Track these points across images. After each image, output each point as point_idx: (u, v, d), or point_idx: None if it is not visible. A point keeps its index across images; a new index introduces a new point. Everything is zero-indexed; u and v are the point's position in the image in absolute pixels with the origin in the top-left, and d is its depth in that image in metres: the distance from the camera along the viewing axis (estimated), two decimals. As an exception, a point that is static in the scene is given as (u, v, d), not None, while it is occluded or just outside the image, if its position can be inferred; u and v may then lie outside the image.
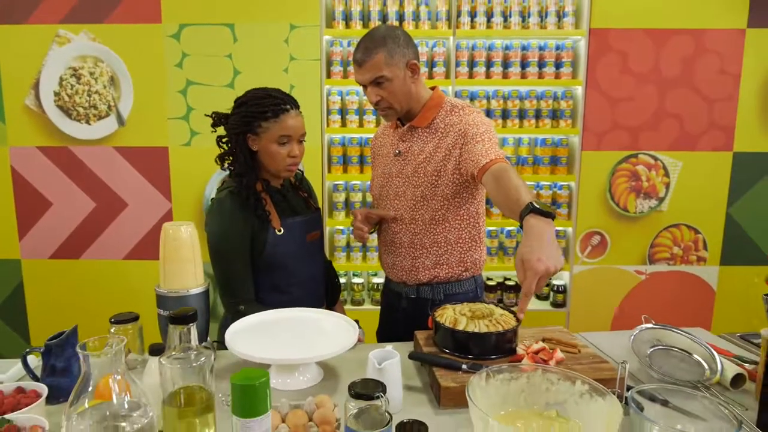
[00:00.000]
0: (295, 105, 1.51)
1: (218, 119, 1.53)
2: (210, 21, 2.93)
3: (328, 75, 2.99)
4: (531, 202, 1.07)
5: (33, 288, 3.22)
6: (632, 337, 1.30)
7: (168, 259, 1.22)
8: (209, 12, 2.92)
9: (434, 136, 1.56)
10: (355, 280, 3.18)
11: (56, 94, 3.03)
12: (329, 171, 3.07)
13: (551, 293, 3.18)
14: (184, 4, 2.92)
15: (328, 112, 3.02)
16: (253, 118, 1.45)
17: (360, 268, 3.15)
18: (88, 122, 3.06)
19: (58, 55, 2.99)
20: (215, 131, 1.54)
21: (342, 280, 3.22)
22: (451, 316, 1.27)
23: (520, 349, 1.23)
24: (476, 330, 1.20)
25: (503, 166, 1.32)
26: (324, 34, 2.92)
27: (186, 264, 1.22)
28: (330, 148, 3.08)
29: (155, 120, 3.03)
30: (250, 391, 0.68)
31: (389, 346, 1.13)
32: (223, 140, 1.53)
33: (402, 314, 1.67)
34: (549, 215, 1.06)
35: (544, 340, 1.28)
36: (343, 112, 3.04)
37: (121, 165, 3.08)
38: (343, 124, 3.04)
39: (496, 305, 1.35)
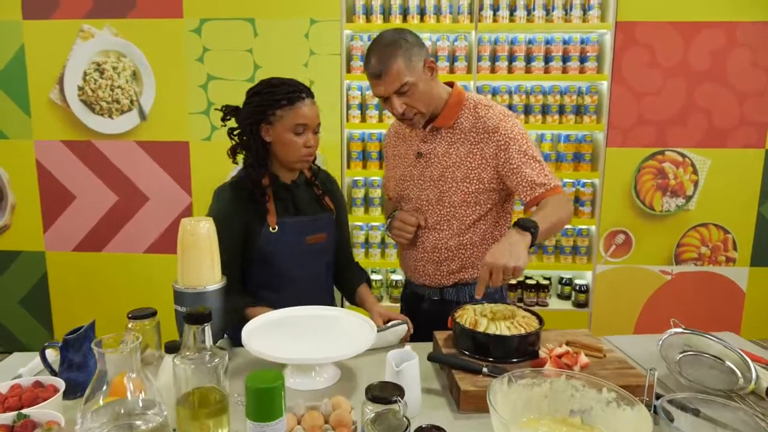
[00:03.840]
0: (309, 94, 1.46)
1: (229, 111, 1.49)
2: (231, 15, 2.93)
3: (348, 70, 2.97)
4: (519, 219, 1.29)
5: (57, 279, 3.28)
6: (660, 342, 1.25)
7: (186, 254, 1.20)
8: (230, 7, 2.92)
9: (463, 138, 1.49)
10: (374, 276, 3.15)
11: (80, 88, 3.06)
12: (348, 167, 3.05)
13: (573, 293, 3.12)
14: (206, -2, 2.93)
15: (348, 107, 3.00)
16: (267, 106, 1.41)
17: (379, 265, 3.13)
18: (111, 116, 3.08)
19: (82, 49, 3.02)
20: (225, 125, 1.51)
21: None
22: (472, 317, 1.24)
23: (542, 353, 1.20)
24: (497, 332, 1.17)
25: (549, 200, 1.40)
26: (344, 29, 2.90)
27: (203, 260, 1.21)
28: (350, 144, 3.06)
29: (176, 114, 3.05)
30: (265, 394, 0.66)
31: (408, 347, 1.10)
32: (235, 132, 1.49)
33: (424, 317, 1.61)
34: (527, 229, 1.26)
35: (567, 344, 1.24)
36: (363, 107, 3.01)
37: (142, 159, 3.10)
38: (363, 119, 3.02)
39: (518, 307, 1.31)
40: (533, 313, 1.29)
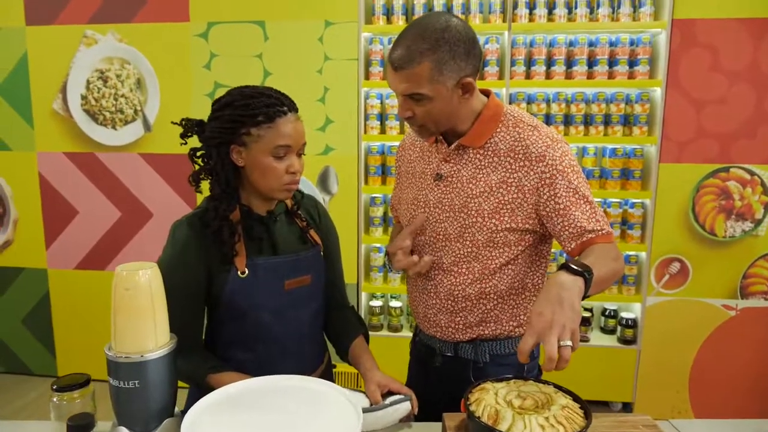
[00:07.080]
0: (293, 107, 1.18)
1: (190, 127, 1.20)
2: (240, 18, 2.70)
3: (367, 76, 2.70)
4: (566, 261, 0.99)
5: (59, 299, 3.11)
6: (756, 448, 0.91)
7: (120, 312, 0.94)
8: (239, 9, 2.69)
9: (496, 163, 1.19)
10: (393, 303, 2.86)
11: (83, 97, 2.89)
12: (366, 182, 2.77)
13: (618, 327, 2.74)
14: (213, 0, 2.70)
15: (366, 117, 2.72)
16: (240, 123, 1.12)
17: (398, 291, 2.84)
18: (114, 127, 2.90)
19: (86, 56, 2.85)
20: (186, 143, 1.23)
21: (378, 303, 2.92)
22: (492, 405, 0.92)
23: (589, 460, 0.87)
24: (526, 434, 0.85)
25: (596, 247, 1.11)
26: (362, 31, 2.64)
27: (143, 320, 0.94)
28: (367, 157, 2.78)
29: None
30: None
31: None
32: (198, 154, 1.20)
33: (435, 375, 1.32)
34: (580, 273, 0.95)
35: (624, 445, 0.91)
36: (382, 117, 2.74)
37: (146, 172, 2.91)
38: (383, 130, 2.74)
39: (557, 388, 0.99)
40: (576, 397, 0.96)
